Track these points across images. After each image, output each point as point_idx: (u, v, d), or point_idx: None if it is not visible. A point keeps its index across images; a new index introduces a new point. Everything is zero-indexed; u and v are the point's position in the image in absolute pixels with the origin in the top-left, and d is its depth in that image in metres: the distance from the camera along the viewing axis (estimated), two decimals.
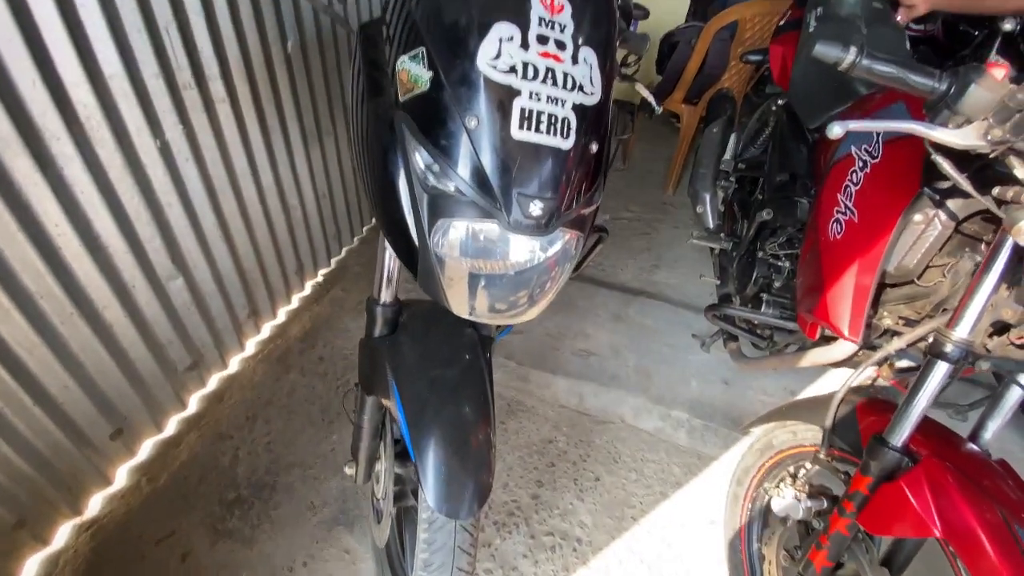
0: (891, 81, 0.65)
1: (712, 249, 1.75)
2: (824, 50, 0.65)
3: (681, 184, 2.70)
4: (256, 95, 1.40)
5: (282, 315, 1.77)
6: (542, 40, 0.53)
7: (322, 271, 1.97)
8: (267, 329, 1.72)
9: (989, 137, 0.61)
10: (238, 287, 1.54)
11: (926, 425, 0.75)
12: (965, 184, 0.66)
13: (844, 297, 0.83)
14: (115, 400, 1.22)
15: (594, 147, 0.58)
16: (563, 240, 0.60)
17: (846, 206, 0.87)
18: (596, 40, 0.56)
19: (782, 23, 1.63)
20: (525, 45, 0.52)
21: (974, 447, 0.77)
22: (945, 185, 0.80)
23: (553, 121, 0.53)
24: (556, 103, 0.53)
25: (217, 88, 1.27)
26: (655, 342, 1.79)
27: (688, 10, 2.86)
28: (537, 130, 0.53)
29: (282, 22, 1.42)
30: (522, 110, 0.52)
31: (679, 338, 1.81)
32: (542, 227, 0.56)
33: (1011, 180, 0.66)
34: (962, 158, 0.68)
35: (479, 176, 0.53)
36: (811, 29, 1.44)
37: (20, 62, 0.85)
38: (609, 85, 0.59)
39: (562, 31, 0.54)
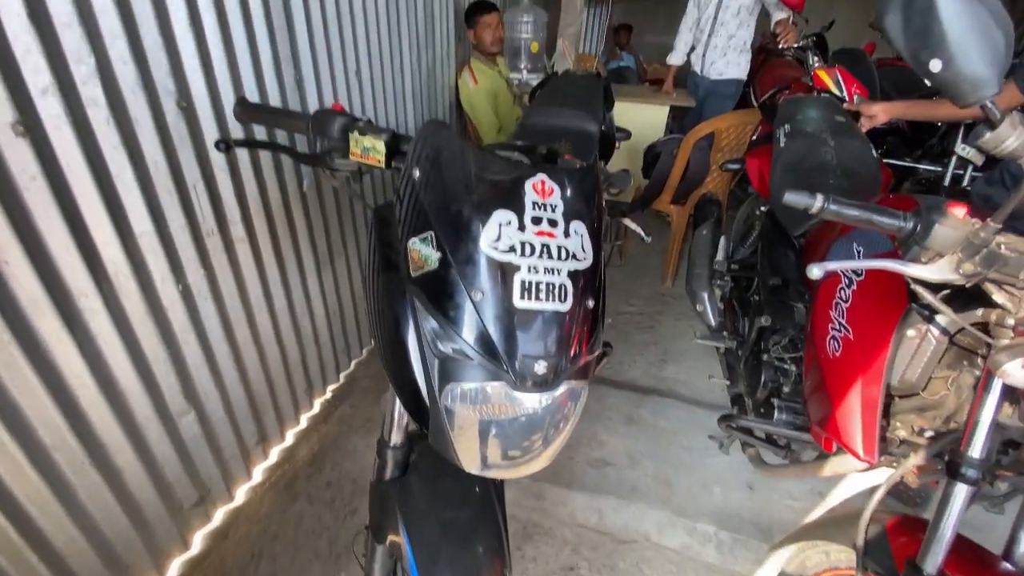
0: (859, 222, 0.70)
1: (718, 348, 1.76)
2: (793, 199, 0.71)
3: (679, 276, 2.78)
4: (273, 231, 1.50)
5: (290, 437, 1.75)
6: (536, 221, 0.59)
7: (331, 387, 1.97)
8: (275, 454, 1.69)
9: (961, 271, 0.65)
10: (247, 414, 1.54)
11: (959, 546, 0.73)
12: (947, 312, 0.69)
13: (853, 416, 0.83)
14: (119, 548, 1.18)
15: (590, 303, 0.62)
16: (569, 390, 0.62)
17: (840, 324, 0.90)
18: (584, 212, 0.62)
19: (754, 137, 1.78)
20: (522, 227, 0.58)
21: (1009, 566, 0.73)
22: (935, 299, 0.83)
23: (551, 289, 0.58)
24: (553, 273, 0.58)
25: (237, 230, 1.37)
26: (672, 445, 1.75)
27: (666, 125, 3.12)
28: (537, 298, 0.57)
29: (299, 168, 1.56)
30: (522, 282, 0.57)
31: (696, 439, 1.77)
32: (548, 383, 0.58)
33: (991, 303, 0.70)
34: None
35: (486, 342, 0.57)
36: (781, 144, 1.56)
37: (55, 230, 0.93)
38: (599, 247, 0.64)
39: (554, 211, 0.60)
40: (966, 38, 0.52)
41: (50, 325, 0.96)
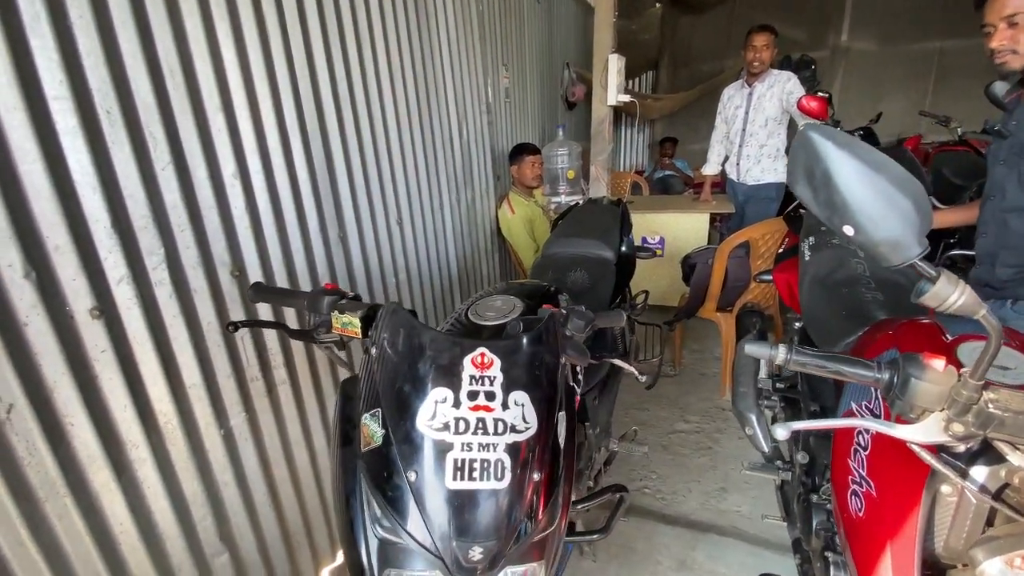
0: (829, 374, 0.66)
1: (775, 480, 1.58)
2: (753, 349, 0.69)
3: None
4: (314, 372, 1.63)
5: (325, 574, 1.74)
6: (472, 396, 0.62)
7: None
8: None
9: (951, 432, 0.58)
10: (282, 553, 1.56)
11: None
12: (951, 474, 0.60)
13: None
14: None
15: (536, 476, 0.61)
16: (518, 574, 0.59)
17: (860, 476, 0.80)
18: (527, 380, 0.64)
19: (781, 251, 1.74)
20: (457, 404, 0.61)
21: None
22: (962, 449, 0.73)
23: (485, 466, 0.58)
24: (488, 448, 0.59)
25: (280, 373, 1.51)
26: None
27: (707, 231, 3.15)
28: (471, 477, 0.58)
29: None
30: (455, 461, 0.58)
31: None
32: (486, 571, 0.57)
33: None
34: None
35: (421, 527, 0.57)
36: (807, 258, 1.51)
37: (116, 391, 1.08)
38: (551, 411, 0.65)
39: (491, 383, 0.63)
40: (870, 208, 0.52)
41: (103, 476, 1.08)
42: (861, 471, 0.80)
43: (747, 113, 3.05)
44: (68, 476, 1.02)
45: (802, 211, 1.71)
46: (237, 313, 1.35)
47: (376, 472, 0.60)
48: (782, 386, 1.62)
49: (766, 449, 1.63)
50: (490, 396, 0.61)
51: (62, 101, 0.96)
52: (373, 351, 0.68)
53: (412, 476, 0.58)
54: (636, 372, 0.96)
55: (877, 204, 0.52)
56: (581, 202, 2.17)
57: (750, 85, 3.04)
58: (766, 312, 2.24)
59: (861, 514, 0.77)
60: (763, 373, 1.72)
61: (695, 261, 2.32)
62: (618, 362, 0.96)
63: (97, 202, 1.03)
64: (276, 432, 1.51)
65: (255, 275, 1.40)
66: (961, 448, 0.72)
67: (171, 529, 1.23)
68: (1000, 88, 1.50)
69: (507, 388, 0.62)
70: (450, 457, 0.58)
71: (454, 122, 2.39)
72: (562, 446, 0.67)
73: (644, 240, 3.34)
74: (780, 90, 2.94)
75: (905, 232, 0.52)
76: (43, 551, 0.98)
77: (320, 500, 1.69)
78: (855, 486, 0.80)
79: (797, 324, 1.53)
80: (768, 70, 2.99)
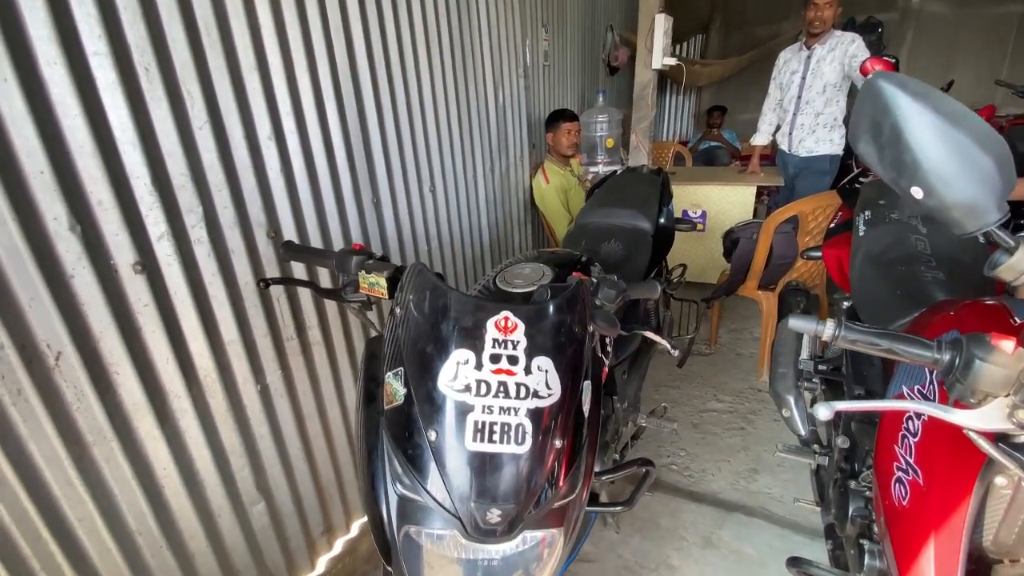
0: (882, 352, 0.61)
1: (810, 464, 1.52)
2: (798, 324, 0.64)
3: None
4: (348, 333, 1.66)
5: (355, 529, 1.81)
6: (495, 359, 0.60)
7: None
8: (339, 545, 1.74)
9: (1015, 420, 0.52)
10: (315, 504, 1.63)
11: None
12: (1011, 464, 0.55)
13: None
14: None
15: (557, 443, 0.60)
16: (533, 542, 0.58)
17: (907, 463, 0.75)
18: (552, 346, 0.62)
19: (832, 225, 1.63)
20: (479, 366, 0.59)
21: None
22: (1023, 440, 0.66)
23: (506, 430, 0.57)
24: (509, 412, 0.58)
25: (314, 334, 1.54)
26: None
27: (754, 206, 3.00)
28: (491, 440, 0.57)
29: None
30: (475, 423, 0.57)
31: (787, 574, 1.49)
32: (504, 533, 0.56)
33: None
34: None
35: (440, 487, 0.57)
36: (861, 233, 1.42)
37: (159, 344, 1.13)
38: (576, 379, 0.63)
39: (515, 347, 0.61)
40: (944, 167, 0.46)
41: (147, 424, 1.14)
42: (908, 458, 0.75)
43: (804, 78, 2.84)
44: (115, 422, 1.07)
45: (859, 184, 1.58)
46: (273, 273, 1.38)
47: (397, 430, 0.60)
48: (824, 368, 1.54)
49: (803, 432, 1.57)
50: (513, 360, 0.60)
51: (101, 57, 0.97)
52: (398, 311, 0.67)
53: (432, 436, 0.57)
54: (668, 346, 0.92)
55: (953, 162, 0.46)
56: (619, 172, 2.09)
57: (809, 48, 2.82)
58: (812, 291, 2.13)
59: (905, 503, 0.73)
60: (804, 354, 1.64)
61: (738, 236, 2.21)
62: (650, 334, 0.93)
63: (137, 159, 1.05)
64: (310, 390, 1.56)
65: (290, 236, 1.42)
66: (1023, 438, 0.66)
67: (211, 477, 1.30)
68: None
69: (530, 353, 0.60)
70: (471, 419, 0.57)
71: (489, 86, 2.32)
72: (586, 415, 0.65)
73: (685, 213, 3.21)
74: (842, 53, 2.72)
75: (984, 194, 0.46)
76: (91, 491, 1.05)
77: (351, 457, 1.74)
78: (900, 473, 0.75)
79: (845, 304, 1.44)
80: (830, 31, 2.76)
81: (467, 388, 0.58)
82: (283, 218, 1.39)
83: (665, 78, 4.70)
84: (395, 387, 0.62)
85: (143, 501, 1.15)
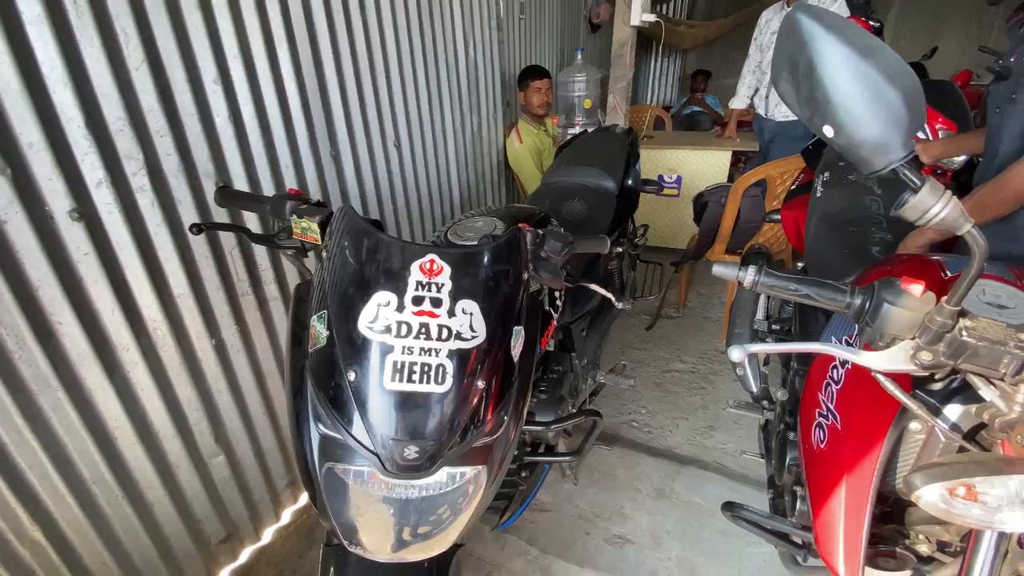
0: (800, 298, 0.62)
1: (759, 419, 1.58)
2: (721, 271, 0.64)
3: None
4: None
5: None
6: (417, 301, 0.60)
7: None
8: (304, 498, 1.78)
9: (918, 360, 0.54)
10: (278, 458, 1.65)
11: None
12: (918, 410, 0.57)
13: (834, 525, 0.70)
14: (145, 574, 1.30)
15: (480, 384, 0.61)
16: (457, 478, 0.60)
17: (828, 409, 0.77)
18: (479, 291, 0.62)
19: (794, 187, 1.63)
20: (400, 308, 0.59)
21: None
22: (939, 387, 0.69)
23: (426, 370, 0.57)
24: (430, 353, 0.58)
25: (271, 290, 1.52)
26: (704, 528, 1.56)
27: (728, 171, 3.00)
28: (410, 380, 0.57)
29: None
30: (394, 363, 0.57)
31: (735, 524, 1.56)
32: (423, 469, 0.57)
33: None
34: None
35: (359, 425, 0.57)
36: (819, 194, 1.43)
37: (103, 295, 1.10)
38: (504, 323, 0.63)
39: (439, 290, 0.61)
40: (853, 103, 0.46)
41: (94, 374, 1.12)
42: (829, 404, 0.78)
43: None
44: (60, 371, 1.06)
45: (824, 145, 1.59)
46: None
47: (320, 372, 0.61)
48: (778, 328, 1.58)
49: (754, 389, 1.62)
50: (436, 303, 0.60)
51: None
52: (324, 255, 0.66)
53: (352, 376, 0.58)
54: (612, 297, 0.93)
55: (862, 98, 0.45)
56: (590, 131, 2.06)
57: (791, 6, 2.77)
58: (777, 256, 2.16)
59: (823, 446, 0.76)
60: (760, 314, 1.68)
61: (708, 199, 2.22)
62: (594, 287, 0.93)
63: (68, 99, 1.00)
64: (269, 347, 1.55)
65: (241, 187, 1.38)
66: (938, 387, 0.69)
67: (167, 430, 1.30)
68: None
69: (455, 296, 0.60)
70: (390, 359, 0.57)
71: (460, 38, 2.24)
72: (515, 360, 0.66)
73: (661, 178, 3.20)
74: None
75: (890, 132, 0.46)
76: (40, 440, 1.04)
77: None
78: (821, 419, 0.78)
79: (799, 264, 1.46)
80: None
81: (387, 329, 0.58)
82: (234, 169, 1.35)
83: (649, 40, 4.58)
84: (319, 330, 0.62)
85: (95, 451, 1.14)
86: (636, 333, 2.64)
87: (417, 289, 0.60)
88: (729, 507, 1.14)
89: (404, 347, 0.57)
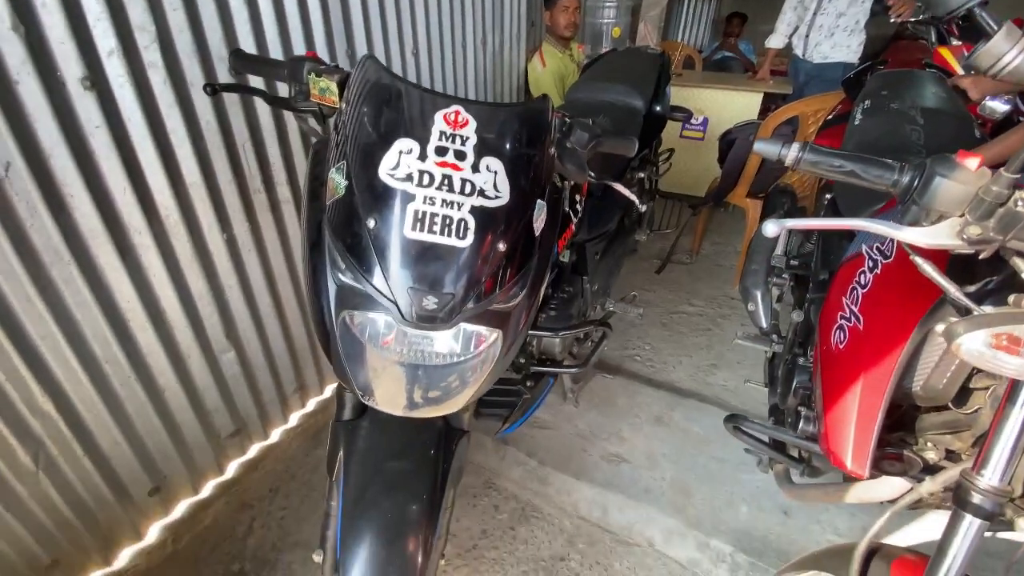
0: (845, 176, 0.59)
1: (766, 352, 1.57)
2: (764, 147, 0.61)
3: None
4: None
5: (329, 391, 1.88)
6: (441, 152, 0.57)
7: None
8: (312, 404, 1.82)
9: (965, 236, 0.52)
10: (288, 363, 1.68)
11: None
12: (959, 295, 0.55)
13: (846, 423, 0.70)
14: (159, 460, 1.35)
15: (501, 246, 0.59)
16: (471, 337, 0.59)
17: (851, 311, 0.76)
18: (504, 150, 0.59)
19: (830, 117, 1.56)
20: (423, 157, 0.56)
21: None
22: (973, 289, 0.67)
23: (448, 222, 0.56)
24: (452, 206, 0.56)
25: (283, 192, 1.50)
26: (701, 454, 1.60)
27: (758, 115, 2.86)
28: (431, 231, 0.55)
29: None
30: (416, 212, 0.55)
31: (731, 452, 1.60)
32: (440, 321, 0.56)
33: None
34: (969, 262, 0.58)
35: (378, 274, 0.56)
36: (856, 122, 1.36)
37: (115, 172, 1.08)
38: (532, 189, 0.60)
39: (463, 143, 0.58)
40: None
41: (106, 252, 1.12)
42: (854, 307, 0.76)
43: None
44: (71, 244, 1.05)
45: (869, 75, 1.50)
46: (236, 116, 1.31)
47: (338, 221, 0.59)
48: (796, 263, 1.55)
49: (764, 325, 1.61)
50: (460, 155, 0.57)
51: None
52: (344, 106, 0.63)
53: (371, 224, 0.56)
54: (636, 200, 0.90)
55: None
56: (620, 49, 1.95)
57: None
58: (801, 200, 2.09)
59: (842, 347, 0.75)
60: (779, 249, 1.64)
61: (735, 136, 2.13)
62: (618, 186, 0.90)
63: None
64: (280, 251, 1.54)
65: (255, 80, 1.32)
66: (972, 288, 0.66)
67: (178, 319, 1.31)
68: None
69: (480, 152, 0.58)
70: (411, 208, 0.55)
71: None
72: (537, 235, 0.64)
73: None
74: None
75: None
76: (51, 311, 1.05)
77: None
78: (843, 321, 0.76)
79: (828, 196, 1.42)
80: None
81: (409, 177, 0.56)
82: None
83: None
84: (337, 181, 0.60)
85: (107, 330, 1.16)
86: (646, 276, 2.62)
87: (441, 139, 0.57)
88: (731, 419, 1.15)
89: (426, 197, 0.55)
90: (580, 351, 1.42)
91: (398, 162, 0.56)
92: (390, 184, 0.56)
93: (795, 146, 0.60)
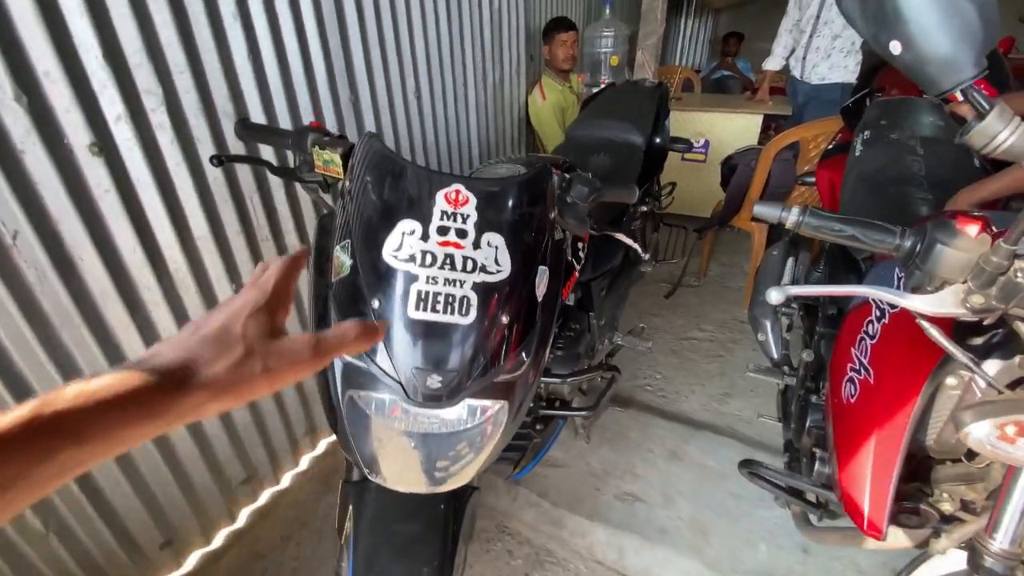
0: (847, 240, 0.58)
1: (778, 384, 1.55)
2: (763, 211, 0.61)
3: None
4: None
5: None
6: (442, 231, 0.58)
7: None
8: (323, 446, 1.82)
9: (969, 304, 0.51)
10: (297, 406, 1.68)
11: None
12: (965, 359, 0.54)
13: (861, 478, 0.68)
14: (170, 512, 1.35)
15: (504, 319, 0.59)
16: (477, 412, 0.59)
17: (861, 363, 0.75)
18: (505, 224, 0.59)
19: (830, 147, 1.56)
20: (425, 237, 0.57)
21: None
22: (980, 341, 0.66)
23: (450, 300, 0.56)
24: (454, 284, 0.56)
25: (291, 239, 1.51)
26: (718, 490, 1.56)
27: (758, 136, 2.88)
28: (434, 310, 0.55)
29: None
30: (419, 292, 0.56)
31: (748, 487, 1.55)
32: (445, 399, 0.56)
33: None
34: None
35: (383, 354, 0.56)
36: (857, 153, 1.36)
37: (124, 232, 1.10)
38: (529, 260, 0.61)
39: (464, 221, 0.58)
40: (924, 15, 0.41)
41: (116, 312, 1.13)
42: (863, 359, 0.75)
43: None
44: (81, 307, 1.07)
45: (867, 103, 1.50)
46: (244, 170, 1.33)
47: (343, 300, 0.60)
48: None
49: (775, 355, 1.59)
50: (461, 234, 0.58)
51: None
52: (348, 184, 0.64)
53: (376, 304, 0.56)
54: (639, 248, 0.90)
55: (934, 10, 0.41)
56: (618, 84, 1.98)
57: None
58: None
59: (853, 400, 0.74)
60: (787, 279, 1.63)
61: (736, 162, 2.13)
62: (620, 236, 0.90)
63: (85, 28, 0.97)
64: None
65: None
66: (978, 341, 0.66)
67: None
68: None
69: (481, 228, 0.58)
70: (414, 288, 0.55)
71: None
72: (539, 300, 0.64)
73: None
74: None
75: (961, 47, 0.42)
76: (63, 375, 1.06)
77: None
78: (852, 373, 0.75)
79: None
80: None
81: (411, 258, 0.56)
82: (253, 110, 1.32)
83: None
84: (342, 259, 0.60)
85: None
86: (654, 300, 2.60)
87: (442, 219, 0.57)
88: (746, 464, 1.13)
89: (429, 276, 0.56)
90: (590, 387, 1.41)
91: (401, 243, 0.57)
92: (393, 265, 0.56)
93: (795, 210, 0.59)
